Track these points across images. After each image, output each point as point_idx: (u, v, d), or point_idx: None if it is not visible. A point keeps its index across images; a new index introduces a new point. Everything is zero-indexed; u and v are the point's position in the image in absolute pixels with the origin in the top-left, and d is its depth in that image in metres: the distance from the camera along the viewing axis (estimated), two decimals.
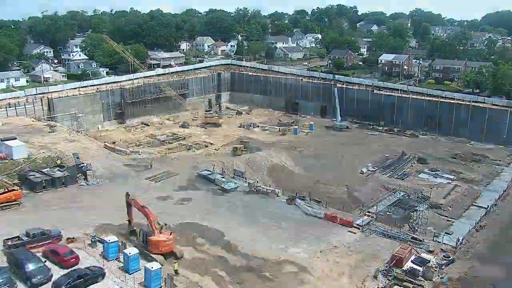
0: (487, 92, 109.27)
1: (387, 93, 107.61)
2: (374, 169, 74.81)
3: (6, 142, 65.89)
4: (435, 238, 48.43)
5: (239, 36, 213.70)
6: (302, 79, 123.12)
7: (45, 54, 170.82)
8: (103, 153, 74.46)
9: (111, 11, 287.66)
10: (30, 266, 36.10)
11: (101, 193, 58.12)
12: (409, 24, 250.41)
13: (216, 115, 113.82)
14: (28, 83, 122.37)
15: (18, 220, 47.67)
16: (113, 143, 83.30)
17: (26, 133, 79.49)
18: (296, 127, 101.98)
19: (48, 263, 37.95)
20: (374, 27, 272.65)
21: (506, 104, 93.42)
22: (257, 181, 64.94)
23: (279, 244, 46.19)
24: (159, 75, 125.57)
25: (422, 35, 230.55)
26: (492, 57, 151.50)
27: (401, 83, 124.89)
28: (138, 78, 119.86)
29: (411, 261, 41.39)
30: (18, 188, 55.03)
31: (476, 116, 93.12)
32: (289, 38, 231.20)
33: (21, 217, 49.20)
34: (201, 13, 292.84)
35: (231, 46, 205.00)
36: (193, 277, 39.12)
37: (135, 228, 44.83)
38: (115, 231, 45.90)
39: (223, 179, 62.98)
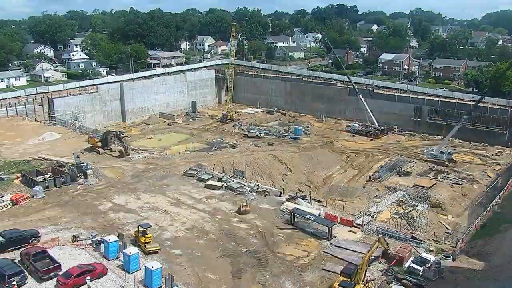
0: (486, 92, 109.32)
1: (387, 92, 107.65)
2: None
3: None
4: (435, 237, 48.53)
5: (239, 36, 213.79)
6: (302, 79, 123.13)
7: (45, 53, 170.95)
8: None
9: (111, 11, 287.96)
10: None
11: (102, 192, 58.06)
12: (409, 24, 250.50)
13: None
14: (28, 83, 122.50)
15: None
16: None
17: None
18: (297, 126, 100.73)
19: None
20: (374, 27, 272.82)
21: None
22: (257, 181, 65.04)
23: None
24: (159, 74, 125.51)
25: (422, 34, 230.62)
26: (492, 56, 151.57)
27: (401, 83, 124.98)
28: (138, 78, 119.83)
29: (411, 261, 41.42)
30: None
31: None
32: (290, 37, 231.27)
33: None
34: (201, 13, 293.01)
35: (231, 45, 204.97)
36: None
37: None
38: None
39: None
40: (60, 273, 36.62)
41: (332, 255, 43.12)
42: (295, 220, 49.85)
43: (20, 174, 59.75)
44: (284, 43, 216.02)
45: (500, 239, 47.85)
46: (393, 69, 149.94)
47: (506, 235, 48.73)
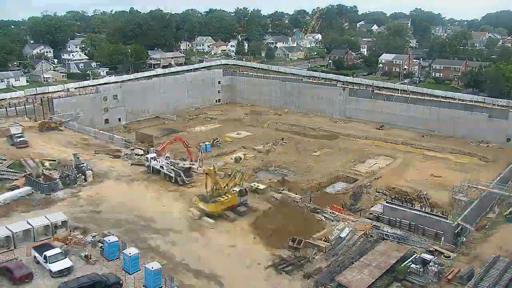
0: (487, 92, 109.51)
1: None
2: None
3: None
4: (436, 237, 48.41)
5: (239, 36, 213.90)
6: (302, 79, 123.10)
7: (45, 54, 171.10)
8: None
9: (111, 11, 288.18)
10: None
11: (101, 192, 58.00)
12: (409, 24, 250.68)
13: None
14: (28, 83, 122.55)
15: None
16: None
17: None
18: None
19: None
20: (374, 27, 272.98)
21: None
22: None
23: None
24: (158, 75, 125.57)
25: (422, 35, 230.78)
26: (492, 57, 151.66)
27: (401, 83, 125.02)
28: (138, 78, 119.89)
29: (411, 261, 41.35)
30: None
31: None
32: (289, 38, 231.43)
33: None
34: (201, 13, 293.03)
35: (231, 46, 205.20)
36: None
37: None
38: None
39: None
40: None
41: None
42: None
43: (23, 175, 59.42)
44: (284, 43, 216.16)
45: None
46: (393, 70, 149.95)
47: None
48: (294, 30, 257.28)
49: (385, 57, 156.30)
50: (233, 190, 51.35)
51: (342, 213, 51.81)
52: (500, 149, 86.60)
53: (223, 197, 50.24)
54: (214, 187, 50.67)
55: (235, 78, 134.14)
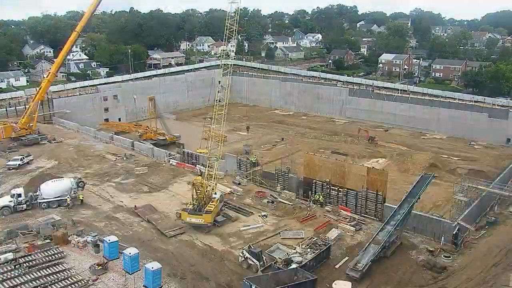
0: (487, 92, 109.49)
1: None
2: None
3: None
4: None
5: (239, 36, 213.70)
6: (302, 79, 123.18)
7: (45, 54, 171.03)
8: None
9: (111, 11, 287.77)
10: None
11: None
12: (409, 24, 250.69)
13: None
14: (28, 83, 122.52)
15: None
16: None
17: None
18: None
19: None
20: (374, 27, 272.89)
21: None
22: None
23: None
24: (158, 75, 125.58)
25: (422, 35, 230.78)
26: (492, 57, 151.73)
27: (401, 83, 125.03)
28: (138, 78, 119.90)
29: None
30: None
31: None
32: (289, 38, 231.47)
33: None
34: (201, 13, 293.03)
35: (231, 46, 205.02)
36: None
37: None
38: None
39: None
40: None
41: None
42: None
43: None
44: (284, 43, 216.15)
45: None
46: (393, 70, 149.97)
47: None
48: (294, 30, 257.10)
49: (385, 57, 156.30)
50: (213, 197, 47.58)
51: (350, 213, 51.53)
52: (500, 149, 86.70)
53: (211, 205, 46.26)
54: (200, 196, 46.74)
55: (235, 78, 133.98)
